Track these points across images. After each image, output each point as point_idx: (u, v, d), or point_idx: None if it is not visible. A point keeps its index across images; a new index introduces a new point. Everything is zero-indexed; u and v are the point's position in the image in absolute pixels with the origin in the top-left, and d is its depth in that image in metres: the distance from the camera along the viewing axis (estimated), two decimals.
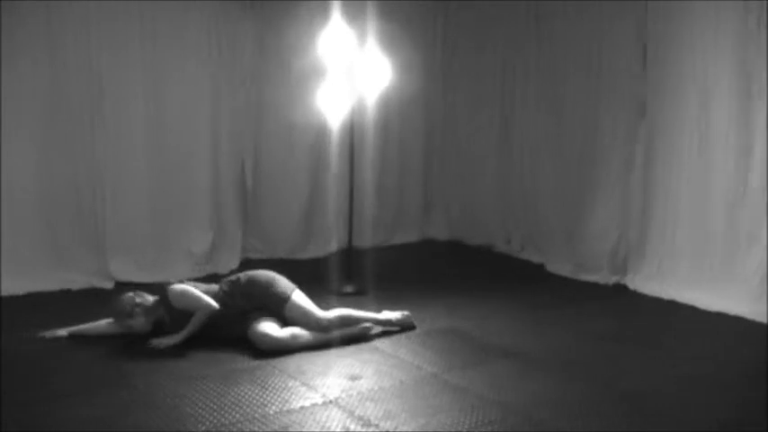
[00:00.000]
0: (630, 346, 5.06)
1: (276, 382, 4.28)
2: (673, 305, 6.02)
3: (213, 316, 4.86)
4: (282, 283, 5.09)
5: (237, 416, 3.82)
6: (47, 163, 6.14)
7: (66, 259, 6.22)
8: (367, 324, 5.12)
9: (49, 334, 4.95)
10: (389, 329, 5.19)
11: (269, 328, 4.82)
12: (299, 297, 5.05)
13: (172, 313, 4.90)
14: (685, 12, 6.01)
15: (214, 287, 5.06)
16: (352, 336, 5.02)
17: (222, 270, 6.63)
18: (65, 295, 5.95)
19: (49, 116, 6.11)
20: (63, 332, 4.98)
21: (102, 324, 5.04)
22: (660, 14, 6.18)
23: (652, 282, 6.32)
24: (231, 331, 4.90)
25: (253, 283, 5.05)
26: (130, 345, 4.83)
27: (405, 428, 3.71)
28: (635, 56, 6.37)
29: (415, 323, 5.30)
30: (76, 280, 6.11)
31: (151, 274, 6.30)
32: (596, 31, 6.67)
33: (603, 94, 6.63)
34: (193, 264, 6.63)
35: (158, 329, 4.94)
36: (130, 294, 4.97)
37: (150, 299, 4.96)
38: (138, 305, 4.89)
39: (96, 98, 6.28)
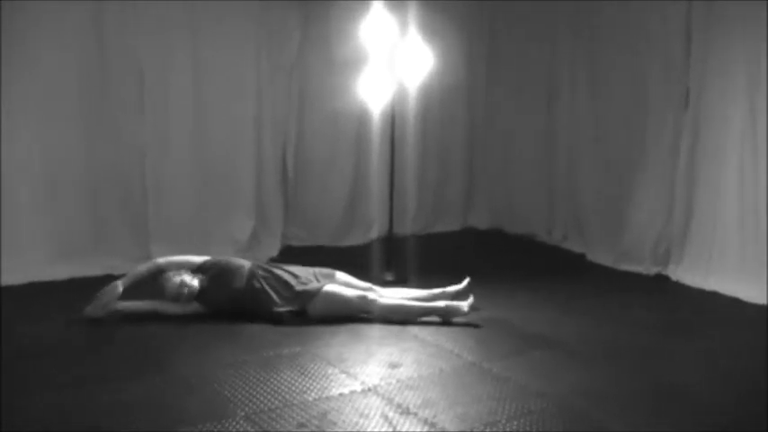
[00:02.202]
0: (672, 337, 5.02)
1: (316, 368, 4.29)
2: (716, 297, 5.95)
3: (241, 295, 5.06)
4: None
5: (276, 402, 3.84)
6: (92, 150, 6.20)
7: (110, 245, 6.30)
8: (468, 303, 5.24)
9: (90, 310, 5.01)
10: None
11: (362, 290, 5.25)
12: (343, 275, 5.41)
13: (210, 283, 5.05)
14: None
15: (245, 263, 5.28)
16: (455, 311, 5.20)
17: (263, 257, 6.65)
18: (106, 280, 5.99)
19: (94, 103, 6.17)
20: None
21: (150, 302, 5.13)
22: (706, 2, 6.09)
23: (695, 273, 6.24)
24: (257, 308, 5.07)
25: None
26: (171, 329, 4.88)
27: (443, 416, 3.72)
28: (680, 45, 6.28)
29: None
30: (118, 266, 6.13)
31: None
32: (641, 21, 6.57)
33: (648, 84, 6.54)
34: (234, 250, 6.64)
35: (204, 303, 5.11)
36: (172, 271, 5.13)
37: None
38: (186, 274, 5.06)
39: (141, 86, 6.33)
